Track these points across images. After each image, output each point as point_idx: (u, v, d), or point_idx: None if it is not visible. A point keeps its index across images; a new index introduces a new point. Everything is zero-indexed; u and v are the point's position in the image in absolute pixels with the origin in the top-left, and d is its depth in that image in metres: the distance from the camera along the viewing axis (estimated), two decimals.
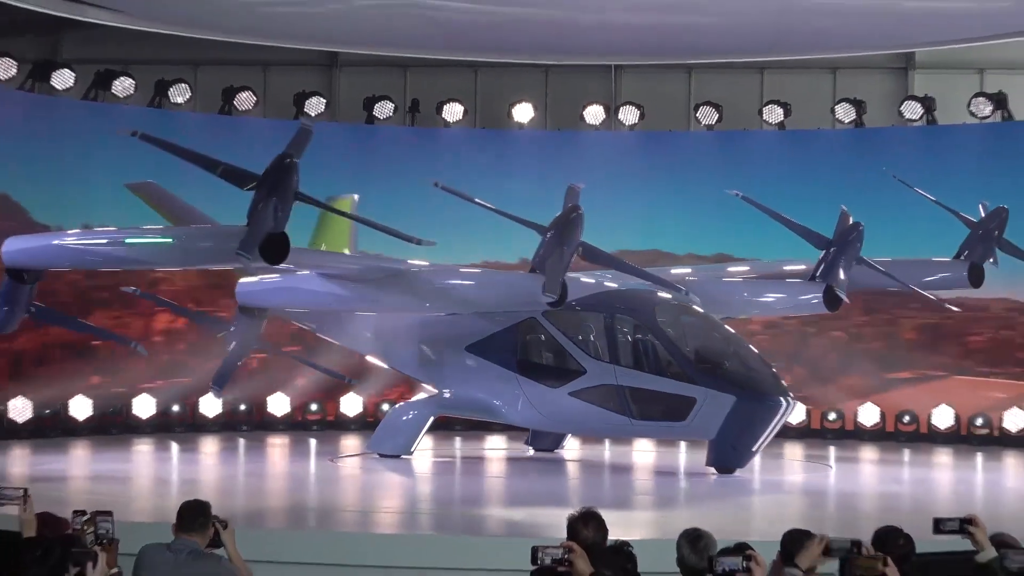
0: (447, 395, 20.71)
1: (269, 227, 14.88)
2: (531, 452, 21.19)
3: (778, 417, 18.50)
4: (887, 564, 7.16)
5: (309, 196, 15.37)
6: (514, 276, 19.48)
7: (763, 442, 18.59)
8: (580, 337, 19.41)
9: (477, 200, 18.75)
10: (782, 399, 18.48)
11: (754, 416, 18.40)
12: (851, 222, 19.40)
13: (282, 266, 15.90)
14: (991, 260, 20.81)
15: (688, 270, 21.94)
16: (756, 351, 19.41)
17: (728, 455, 18.54)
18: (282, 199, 14.88)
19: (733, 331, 19.69)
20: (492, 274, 19.98)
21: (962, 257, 20.69)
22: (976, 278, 20.60)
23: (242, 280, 19.00)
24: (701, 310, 19.67)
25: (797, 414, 23.33)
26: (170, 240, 17.20)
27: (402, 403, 21.63)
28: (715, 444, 18.52)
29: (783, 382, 19.09)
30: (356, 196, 22.01)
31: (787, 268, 21.42)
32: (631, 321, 19.53)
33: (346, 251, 21.21)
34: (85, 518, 8.11)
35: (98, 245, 17.13)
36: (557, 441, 21.20)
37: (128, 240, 16.61)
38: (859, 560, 7.24)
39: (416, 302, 18.83)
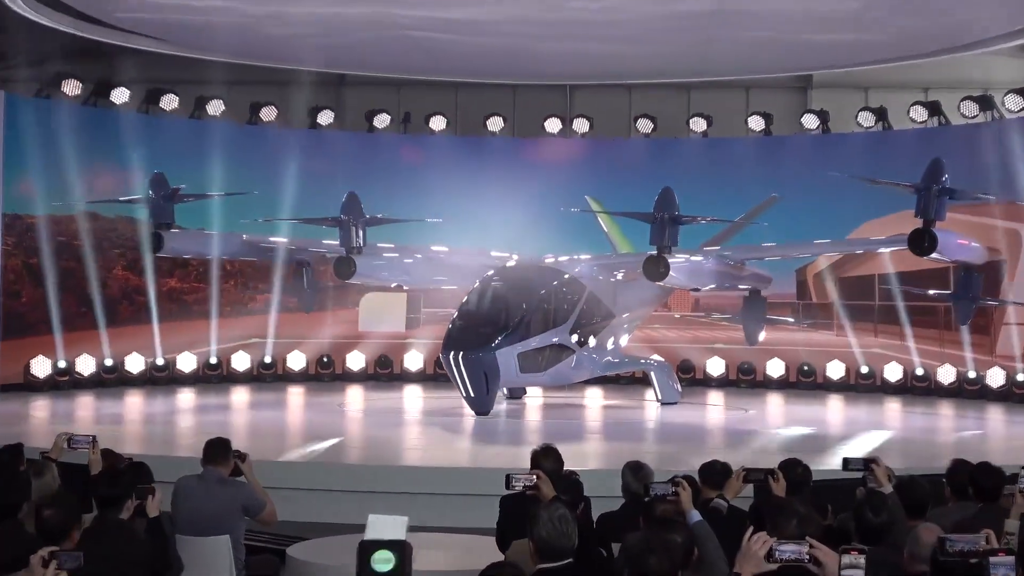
0: None
1: None
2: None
3: (463, 369, 17.10)
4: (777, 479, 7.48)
5: None
6: None
7: (473, 387, 17.23)
8: None
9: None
10: (462, 353, 17.04)
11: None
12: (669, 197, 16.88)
13: None
14: (942, 219, 15.60)
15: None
16: (511, 316, 17.60)
17: None
18: None
19: (528, 297, 18.02)
20: None
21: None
22: (916, 245, 15.57)
23: None
24: (516, 280, 18.55)
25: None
26: None
27: None
28: None
29: (492, 339, 17.28)
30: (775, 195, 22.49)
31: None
32: None
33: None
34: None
35: None
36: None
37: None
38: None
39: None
